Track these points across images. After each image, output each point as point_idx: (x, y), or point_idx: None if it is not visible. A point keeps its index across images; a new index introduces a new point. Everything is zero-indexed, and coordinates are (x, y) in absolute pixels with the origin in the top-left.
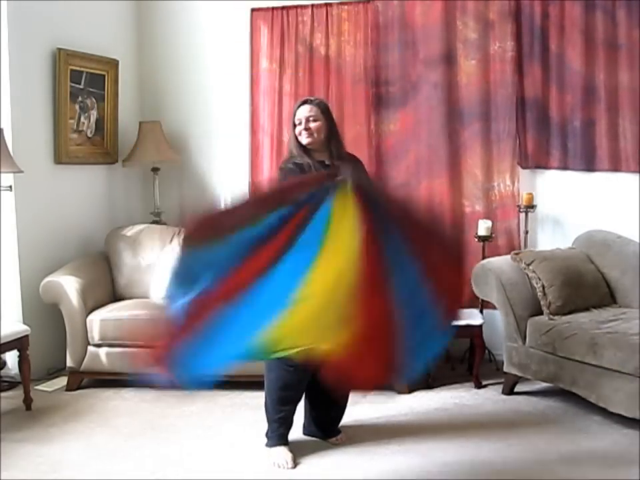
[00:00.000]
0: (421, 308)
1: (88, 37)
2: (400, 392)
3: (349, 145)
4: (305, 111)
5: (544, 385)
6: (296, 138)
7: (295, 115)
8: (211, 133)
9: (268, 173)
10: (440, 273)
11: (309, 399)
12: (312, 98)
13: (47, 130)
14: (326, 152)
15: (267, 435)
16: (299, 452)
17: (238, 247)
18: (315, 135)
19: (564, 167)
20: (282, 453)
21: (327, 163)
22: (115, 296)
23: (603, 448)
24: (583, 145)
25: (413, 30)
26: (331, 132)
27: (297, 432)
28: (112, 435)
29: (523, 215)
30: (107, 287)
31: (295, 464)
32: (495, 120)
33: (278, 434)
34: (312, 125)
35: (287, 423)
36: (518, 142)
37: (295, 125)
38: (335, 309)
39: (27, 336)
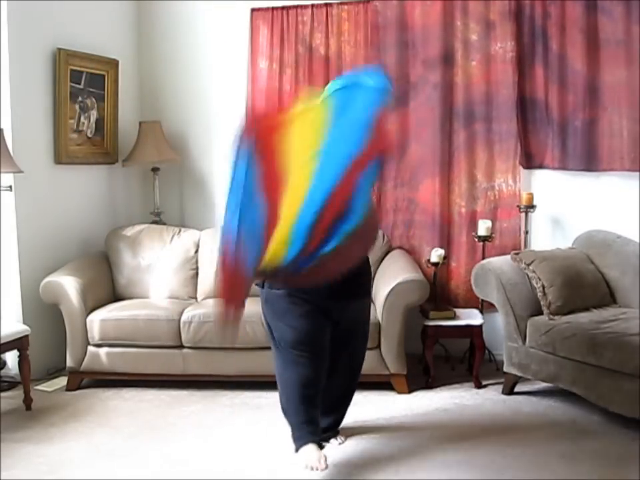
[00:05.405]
0: None
1: (88, 37)
2: (400, 392)
3: None
4: None
5: (544, 384)
6: None
7: None
8: (211, 133)
9: None
10: None
11: None
12: None
13: (47, 130)
14: None
15: (293, 438)
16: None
17: None
18: None
19: (564, 166)
20: (313, 453)
21: None
22: (115, 296)
23: (603, 448)
24: (583, 145)
25: (413, 30)
26: None
27: None
28: (112, 435)
29: (523, 215)
30: (107, 287)
31: (327, 465)
32: (496, 120)
33: (305, 432)
34: None
35: (314, 423)
36: (519, 142)
37: None
38: None
39: (27, 336)
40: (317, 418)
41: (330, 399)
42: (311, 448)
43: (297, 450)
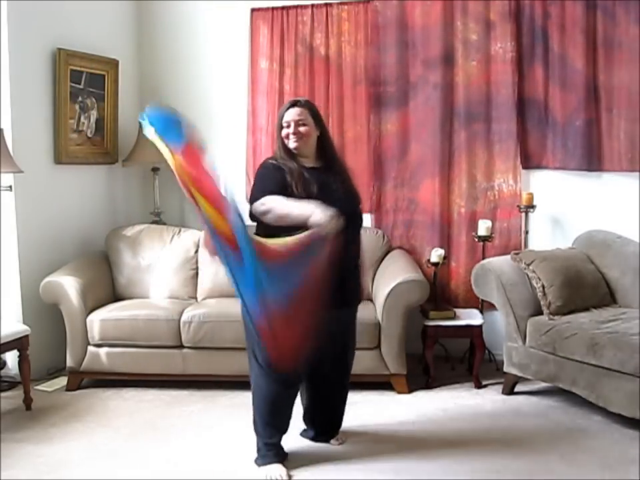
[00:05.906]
0: None
1: (88, 37)
2: (400, 392)
3: (348, 145)
4: (293, 114)
5: (544, 384)
6: (282, 141)
7: (282, 117)
8: (211, 133)
9: None
10: None
11: (308, 403)
12: (301, 99)
13: (47, 130)
14: (314, 156)
15: (257, 453)
16: (298, 453)
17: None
18: (304, 139)
19: (565, 166)
20: (275, 469)
21: (313, 166)
22: (115, 296)
23: (603, 448)
24: (583, 145)
25: (413, 30)
26: (323, 136)
27: (295, 434)
28: (112, 435)
29: (523, 215)
30: (107, 287)
31: (289, 477)
32: (496, 120)
33: (269, 454)
34: (301, 129)
35: (278, 445)
36: (519, 142)
37: (281, 127)
38: None
39: (27, 336)
40: (281, 439)
41: (323, 408)
42: (272, 467)
43: (258, 465)
